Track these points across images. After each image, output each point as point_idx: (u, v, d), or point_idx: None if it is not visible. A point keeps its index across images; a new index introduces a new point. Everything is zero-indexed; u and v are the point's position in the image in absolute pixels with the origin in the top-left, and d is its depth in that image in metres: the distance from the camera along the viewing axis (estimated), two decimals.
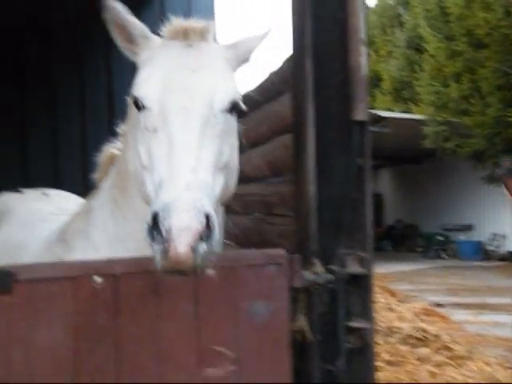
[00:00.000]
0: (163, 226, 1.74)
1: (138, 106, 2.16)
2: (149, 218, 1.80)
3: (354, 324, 2.57)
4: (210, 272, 2.28)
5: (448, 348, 6.21)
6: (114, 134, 2.88)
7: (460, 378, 5.07)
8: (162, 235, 1.74)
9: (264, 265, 2.35)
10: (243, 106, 2.29)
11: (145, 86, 2.17)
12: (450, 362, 5.74)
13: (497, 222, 21.48)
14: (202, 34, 2.36)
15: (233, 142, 2.31)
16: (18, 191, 4.25)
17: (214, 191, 2.03)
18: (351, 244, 2.61)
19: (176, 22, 2.37)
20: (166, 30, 2.38)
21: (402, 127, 17.95)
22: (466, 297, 12.03)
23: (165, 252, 1.74)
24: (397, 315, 7.88)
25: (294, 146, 2.73)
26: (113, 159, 2.79)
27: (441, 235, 23.38)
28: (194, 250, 1.74)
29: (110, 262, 2.17)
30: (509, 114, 15.25)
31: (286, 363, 2.35)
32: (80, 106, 7.83)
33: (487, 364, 5.66)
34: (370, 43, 26.89)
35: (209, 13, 8.19)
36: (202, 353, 2.25)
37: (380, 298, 9.15)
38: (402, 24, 24.28)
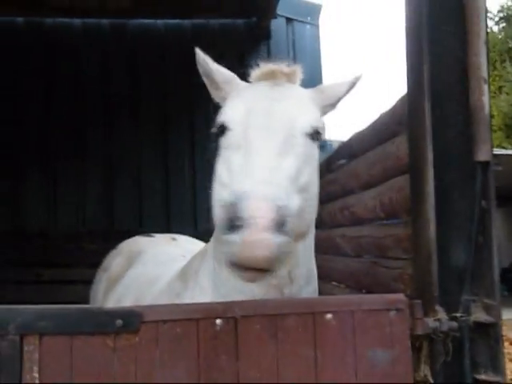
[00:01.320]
0: (240, 214, 1.71)
1: (223, 131, 2.27)
2: (221, 211, 1.80)
3: (482, 376, 2.42)
4: (329, 316, 2.26)
5: None
6: None
7: None
8: (238, 224, 1.71)
9: (384, 310, 2.28)
10: (324, 135, 2.36)
11: (229, 112, 2.30)
12: None
13: None
14: (289, 77, 2.47)
15: (313, 168, 2.33)
16: (149, 235, 4.48)
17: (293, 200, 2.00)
18: (476, 290, 2.49)
19: (264, 66, 2.48)
20: (253, 73, 2.49)
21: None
22: None
23: (242, 240, 1.71)
24: None
25: (411, 188, 2.66)
26: None
27: None
28: (270, 240, 1.71)
29: (230, 304, 2.20)
30: None
31: None
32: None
33: None
34: None
35: (315, 57, 8.33)
36: None
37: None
38: None
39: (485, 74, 2.39)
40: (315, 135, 2.30)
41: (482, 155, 2.40)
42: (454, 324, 2.41)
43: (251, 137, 2.15)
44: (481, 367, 2.44)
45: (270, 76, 2.45)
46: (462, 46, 2.45)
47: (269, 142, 2.12)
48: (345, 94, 2.60)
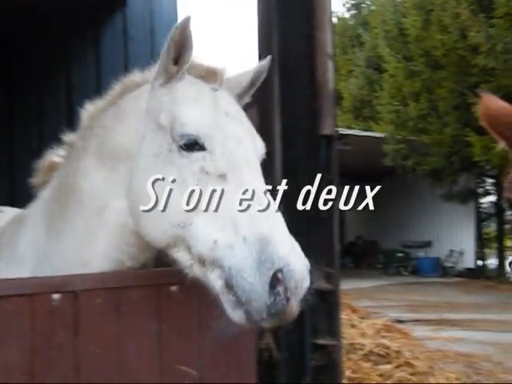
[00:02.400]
0: (287, 285, 1.77)
1: (191, 146, 2.03)
2: (263, 270, 1.79)
3: (321, 341, 2.54)
4: (173, 288, 2.22)
5: (410, 364, 6.23)
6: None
7: None
8: (282, 290, 1.77)
9: None
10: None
11: (199, 127, 2.05)
12: (412, 378, 5.76)
13: (454, 239, 21.91)
14: (222, 78, 2.25)
15: None
16: None
17: None
18: (318, 260, 2.58)
19: (201, 61, 2.25)
20: (190, 66, 2.20)
21: (362, 145, 18.20)
22: (426, 313, 12.17)
23: (286, 307, 1.78)
24: (359, 332, 7.88)
25: None
26: (53, 168, 2.57)
27: (400, 252, 23.70)
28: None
29: (68, 278, 2.08)
30: (465, 134, 15.64)
31: (252, 382, 2.29)
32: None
33: (448, 379, 5.70)
34: None
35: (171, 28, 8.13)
36: (165, 371, 2.17)
37: (342, 315, 9.16)
38: (361, 44, 24.76)
39: (329, 50, 2.46)
40: None
41: (326, 129, 2.48)
42: None
43: (241, 170, 2.01)
44: (320, 333, 2.56)
45: (211, 76, 2.23)
46: (309, 22, 2.49)
47: (259, 180, 2.05)
48: (250, 83, 2.36)
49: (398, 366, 6.18)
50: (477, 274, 20.42)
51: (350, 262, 25.91)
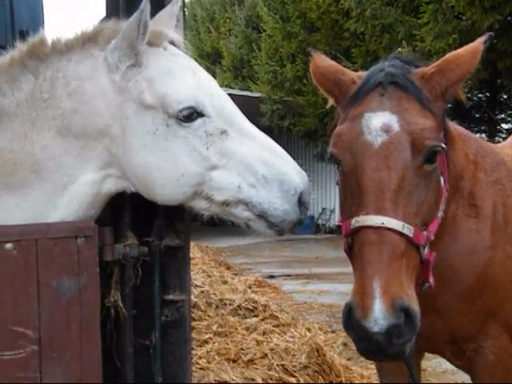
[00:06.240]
0: (305, 201, 2.29)
1: (190, 115, 2.22)
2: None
3: (169, 297, 2.53)
4: (9, 246, 2.10)
5: (274, 317, 6.48)
6: None
7: (282, 344, 5.31)
8: (304, 208, 2.29)
9: (71, 237, 2.20)
10: None
11: (193, 98, 2.24)
12: (276, 329, 5.99)
13: (327, 197, 22.90)
14: (166, 35, 2.39)
15: None
16: None
17: None
18: (169, 215, 2.55)
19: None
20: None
21: (241, 104, 18.25)
22: (297, 268, 12.69)
23: (305, 217, 2.30)
24: (230, 288, 8.06)
25: None
26: None
27: None
28: None
29: None
30: None
31: (96, 341, 2.24)
32: None
33: (308, 330, 5.99)
34: (211, 20, 26.97)
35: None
36: None
37: (215, 272, 9.31)
38: (241, 2, 24.62)
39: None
40: None
41: None
42: (145, 249, 2.46)
43: (236, 120, 2.38)
44: (170, 288, 2.55)
45: (157, 38, 2.34)
46: None
47: (248, 122, 2.44)
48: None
49: (263, 319, 6.40)
50: None
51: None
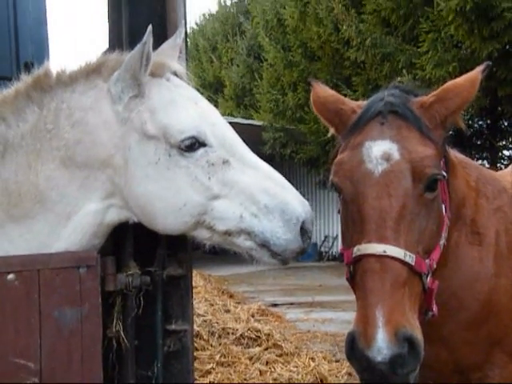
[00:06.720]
0: (307, 230, 2.33)
1: (192, 145, 2.24)
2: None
3: (172, 327, 2.52)
4: (11, 277, 2.10)
5: (278, 346, 6.41)
6: None
7: (286, 374, 5.25)
8: (306, 237, 2.33)
9: (73, 267, 2.20)
10: None
11: (195, 128, 2.26)
12: (279, 359, 5.93)
13: (329, 225, 22.85)
14: (169, 67, 2.41)
15: None
16: None
17: None
18: (171, 244, 2.55)
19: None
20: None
21: (243, 133, 18.35)
22: (300, 296, 12.59)
23: (307, 246, 2.30)
24: (233, 316, 8.00)
25: None
26: None
27: None
28: None
29: None
30: None
31: (98, 372, 2.22)
32: None
33: (312, 359, 5.92)
34: (213, 49, 27.32)
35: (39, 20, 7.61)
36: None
37: (217, 300, 9.25)
38: (243, 32, 24.95)
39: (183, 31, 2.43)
40: None
41: None
42: (147, 278, 2.45)
43: (237, 150, 2.38)
44: (172, 318, 2.54)
45: (160, 69, 2.37)
46: (160, 1, 2.44)
47: (249, 151, 2.46)
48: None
49: (266, 349, 6.34)
50: None
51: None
